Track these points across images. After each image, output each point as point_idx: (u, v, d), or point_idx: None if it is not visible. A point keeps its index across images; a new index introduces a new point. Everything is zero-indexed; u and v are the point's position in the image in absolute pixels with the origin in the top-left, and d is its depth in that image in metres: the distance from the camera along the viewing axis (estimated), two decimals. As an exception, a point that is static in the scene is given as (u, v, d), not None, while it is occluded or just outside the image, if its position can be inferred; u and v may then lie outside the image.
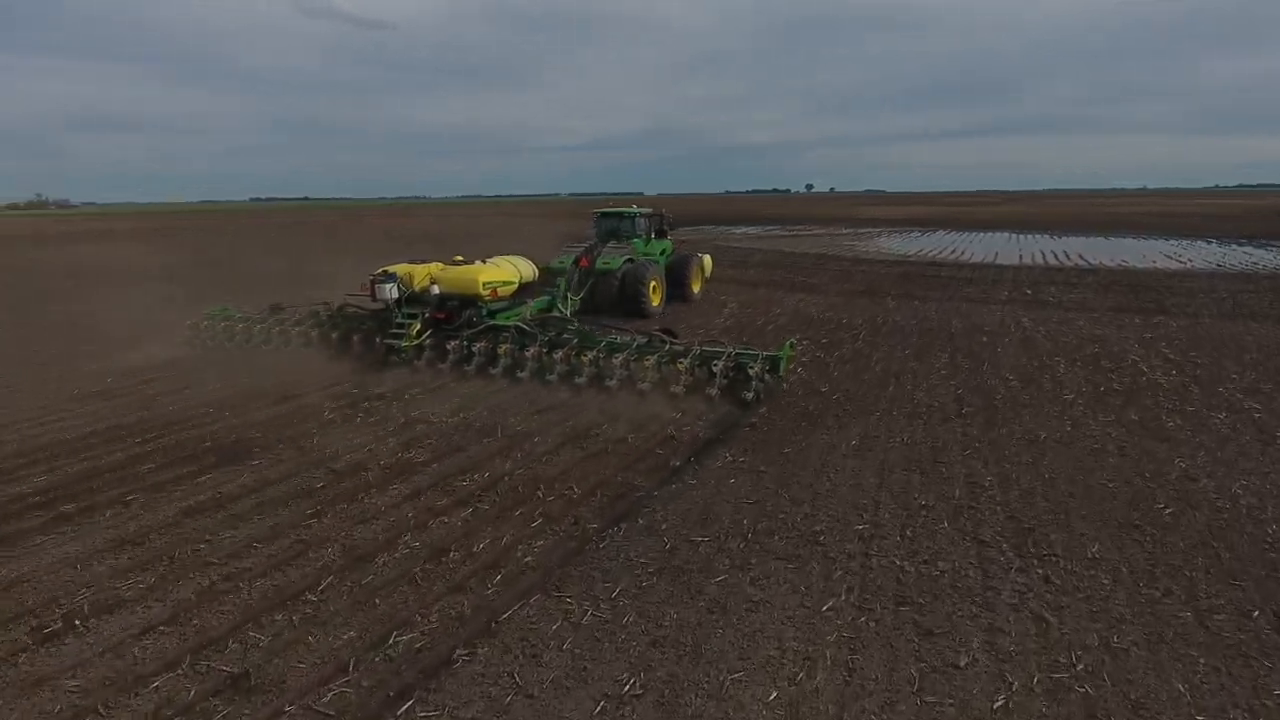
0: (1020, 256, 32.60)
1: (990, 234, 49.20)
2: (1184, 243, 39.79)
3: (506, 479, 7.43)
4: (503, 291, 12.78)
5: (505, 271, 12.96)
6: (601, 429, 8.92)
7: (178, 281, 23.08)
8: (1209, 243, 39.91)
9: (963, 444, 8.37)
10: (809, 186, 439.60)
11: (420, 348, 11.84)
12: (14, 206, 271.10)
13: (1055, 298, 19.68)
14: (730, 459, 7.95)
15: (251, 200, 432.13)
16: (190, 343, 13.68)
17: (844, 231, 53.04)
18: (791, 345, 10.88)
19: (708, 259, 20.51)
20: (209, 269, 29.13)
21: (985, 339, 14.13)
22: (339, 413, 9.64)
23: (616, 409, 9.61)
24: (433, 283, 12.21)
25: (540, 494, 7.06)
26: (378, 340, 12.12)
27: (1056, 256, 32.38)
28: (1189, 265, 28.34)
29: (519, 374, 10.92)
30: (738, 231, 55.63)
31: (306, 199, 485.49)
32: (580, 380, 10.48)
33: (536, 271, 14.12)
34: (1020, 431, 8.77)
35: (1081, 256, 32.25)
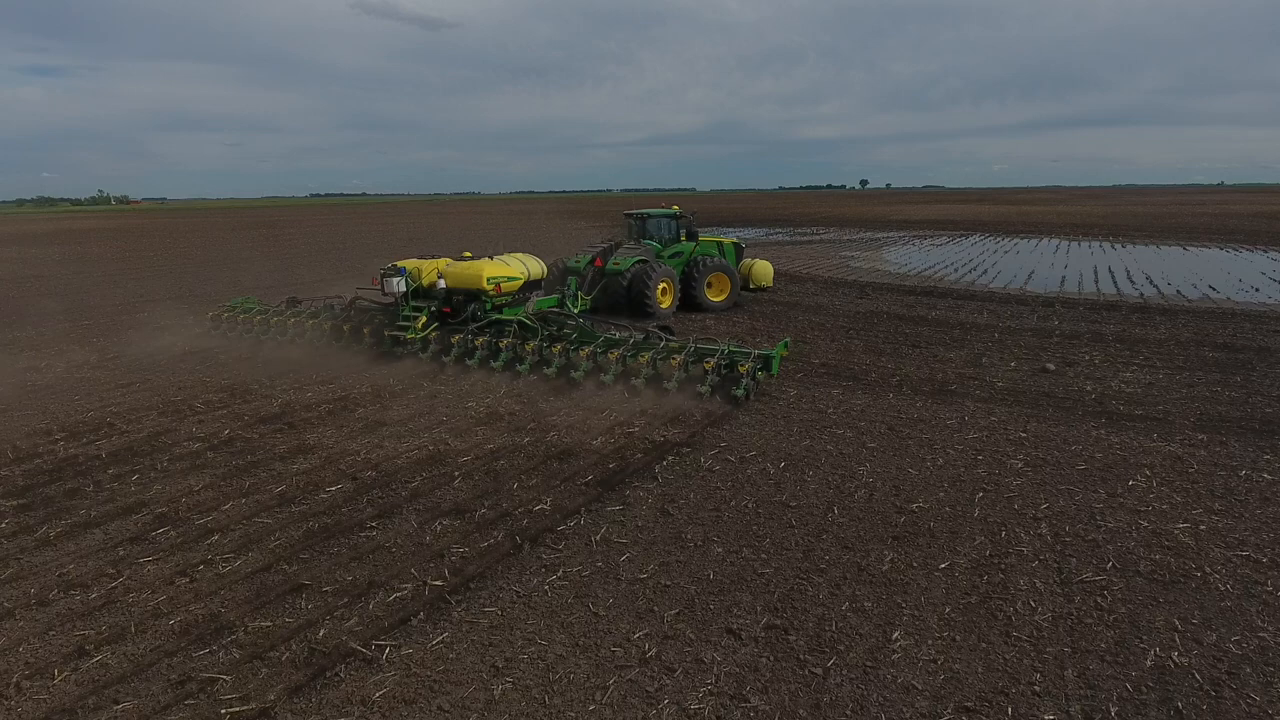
0: (1063, 279, 23.53)
1: (1038, 241, 39.61)
2: (1295, 257, 29.85)
3: None
4: (507, 287, 12.67)
5: (510, 268, 12.86)
6: None
7: None
8: (1329, 256, 29.96)
9: None
10: (863, 182, 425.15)
11: (426, 341, 12.07)
12: (77, 203, 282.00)
13: (1097, 385, 10.95)
14: None
15: (311, 196, 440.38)
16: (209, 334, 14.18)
17: (854, 238, 44.01)
18: (785, 345, 10.64)
19: (760, 265, 19.52)
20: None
21: (889, 566, 5.70)
22: None
23: None
24: (440, 277, 12.38)
25: None
26: (386, 333, 12.36)
27: (1114, 280, 23.20)
28: (1320, 300, 19.01)
29: (518, 367, 11.05)
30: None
31: (365, 194, 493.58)
32: (576, 375, 10.51)
33: (545, 269, 14.13)
34: None
35: (1151, 280, 23.00)
